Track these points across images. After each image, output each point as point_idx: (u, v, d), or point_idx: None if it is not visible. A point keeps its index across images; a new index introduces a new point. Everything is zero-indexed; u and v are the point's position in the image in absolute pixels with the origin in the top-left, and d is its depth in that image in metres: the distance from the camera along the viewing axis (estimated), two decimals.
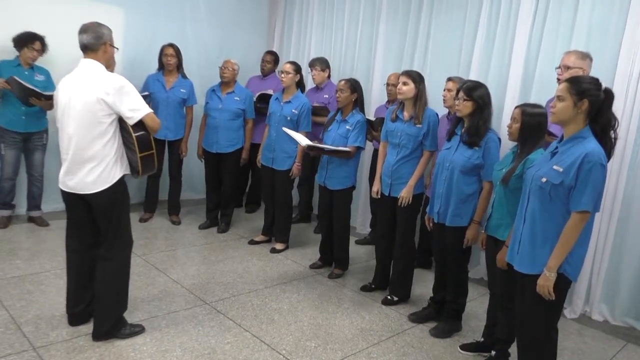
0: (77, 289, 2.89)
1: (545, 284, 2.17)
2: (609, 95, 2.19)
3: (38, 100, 4.17)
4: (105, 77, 2.62)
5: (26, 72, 4.30)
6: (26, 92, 4.10)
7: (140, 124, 2.66)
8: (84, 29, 2.67)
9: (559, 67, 3.30)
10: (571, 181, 2.13)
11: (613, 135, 2.22)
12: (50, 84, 4.42)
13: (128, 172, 2.78)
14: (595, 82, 2.20)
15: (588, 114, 2.19)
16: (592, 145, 2.13)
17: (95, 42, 2.65)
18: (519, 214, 2.39)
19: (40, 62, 4.46)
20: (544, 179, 2.21)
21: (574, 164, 2.13)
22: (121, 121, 2.67)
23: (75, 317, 2.92)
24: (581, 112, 2.17)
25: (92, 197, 2.68)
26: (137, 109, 2.64)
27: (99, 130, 2.60)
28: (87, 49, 2.67)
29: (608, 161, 2.19)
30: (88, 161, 2.63)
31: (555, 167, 2.19)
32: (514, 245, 2.40)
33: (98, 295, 2.78)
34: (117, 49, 2.84)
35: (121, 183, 2.73)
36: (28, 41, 4.24)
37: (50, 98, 4.21)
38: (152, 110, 2.71)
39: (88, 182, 2.65)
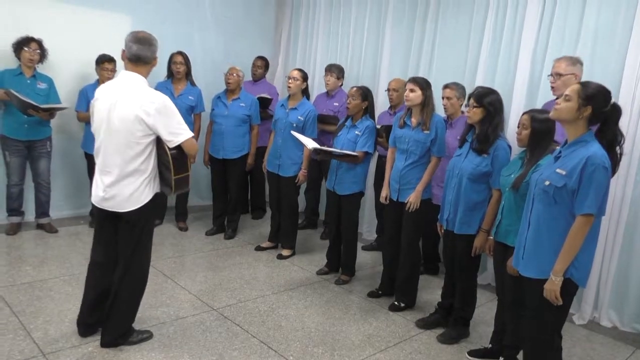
0: (95, 301, 2.83)
1: (552, 288, 2.17)
2: (616, 110, 2.19)
3: (36, 112, 4.21)
4: (147, 95, 2.52)
5: (28, 81, 4.34)
6: (23, 104, 4.15)
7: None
8: (140, 39, 2.56)
9: (551, 75, 3.32)
10: (574, 184, 2.13)
11: (619, 151, 2.22)
12: (53, 92, 4.48)
13: (159, 190, 2.71)
14: (605, 93, 2.20)
15: (589, 121, 2.19)
16: (594, 148, 2.14)
17: (150, 56, 2.59)
18: (524, 218, 2.39)
19: (45, 70, 4.51)
20: (547, 182, 2.22)
21: (576, 166, 2.13)
22: (159, 139, 2.59)
23: (88, 327, 2.88)
24: (583, 117, 2.17)
25: (123, 215, 2.65)
26: (178, 133, 2.54)
27: (136, 150, 2.53)
28: (140, 61, 2.57)
29: (612, 176, 2.19)
30: (121, 178, 2.58)
31: (558, 170, 2.20)
32: (518, 250, 2.40)
33: (113, 307, 2.76)
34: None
35: (153, 202, 2.68)
36: (24, 43, 4.28)
37: (48, 110, 4.28)
38: (192, 135, 2.61)
39: (121, 200, 2.60)
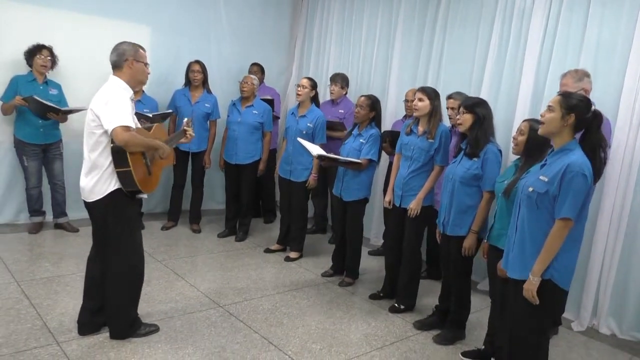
0: (85, 297, 2.99)
1: (529, 288, 2.27)
2: (597, 117, 2.29)
3: (55, 115, 4.47)
4: (103, 91, 2.74)
5: (41, 87, 4.59)
6: (45, 109, 4.42)
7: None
8: (113, 49, 2.84)
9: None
10: (555, 190, 2.24)
11: (603, 156, 2.31)
12: (62, 98, 4.73)
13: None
14: (586, 101, 2.31)
15: (574, 129, 2.29)
16: (576, 156, 2.24)
17: (118, 60, 2.80)
18: (512, 222, 2.49)
19: (63, 78, 4.76)
20: (530, 189, 2.33)
21: (558, 174, 2.23)
22: None
23: (81, 325, 3.00)
24: (567, 125, 2.28)
25: (88, 206, 2.83)
26: (110, 121, 2.62)
27: (93, 140, 2.72)
28: (114, 67, 2.83)
29: (597, 181, 2.28)
30: (89, 170, 2.77)
31: (541, 177, 2.30)
32: (507, 252, 2.50)
33: (107, 301, 2.93)
34: (146, 64, 2.88)
35: (117, 196, 2.77)
36: (36, 51, 4.52)
37: (67, 112, 4.53)
38: (124, 124, 2.62)
39: (86, 191, 2.80)
